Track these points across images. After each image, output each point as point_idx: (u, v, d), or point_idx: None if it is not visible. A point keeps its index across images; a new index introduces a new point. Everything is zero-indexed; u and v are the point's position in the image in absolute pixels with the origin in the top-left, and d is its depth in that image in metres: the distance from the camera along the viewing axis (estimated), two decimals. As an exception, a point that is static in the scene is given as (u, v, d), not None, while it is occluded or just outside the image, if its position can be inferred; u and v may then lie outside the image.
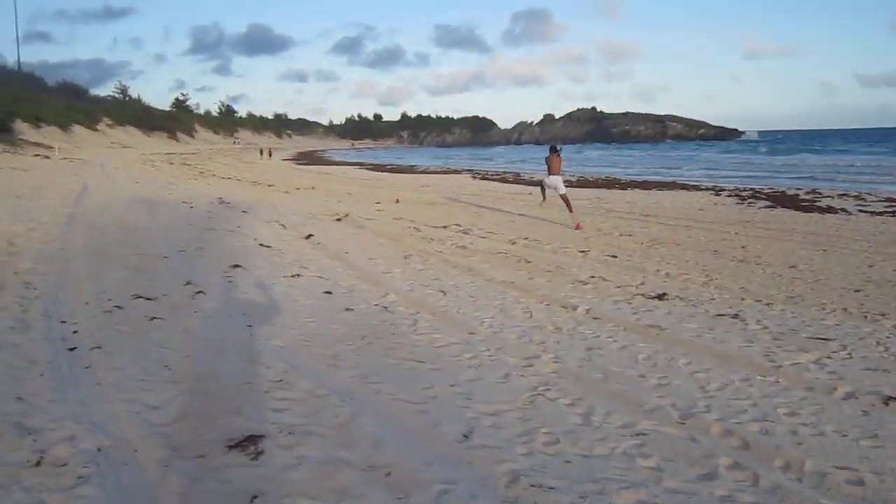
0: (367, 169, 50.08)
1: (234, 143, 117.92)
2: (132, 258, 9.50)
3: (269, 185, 28.14)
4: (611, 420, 4.65)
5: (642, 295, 8.53)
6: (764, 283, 9.44)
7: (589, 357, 5.99)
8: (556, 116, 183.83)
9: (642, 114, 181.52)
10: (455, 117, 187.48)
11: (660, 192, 29.27)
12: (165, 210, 16.02)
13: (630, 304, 8.11)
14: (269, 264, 9.69)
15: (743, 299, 8.46)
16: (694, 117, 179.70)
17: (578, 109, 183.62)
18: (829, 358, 6.09)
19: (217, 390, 4.83)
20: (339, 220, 15.92)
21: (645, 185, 33.04)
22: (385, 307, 7.55)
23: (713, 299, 8.41)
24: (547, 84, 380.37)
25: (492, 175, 43.01)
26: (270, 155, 70.26)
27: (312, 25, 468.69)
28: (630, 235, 14.37)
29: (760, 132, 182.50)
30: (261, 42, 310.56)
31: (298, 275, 9.05)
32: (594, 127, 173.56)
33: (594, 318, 7.37)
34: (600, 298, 8.34)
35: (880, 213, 19.89)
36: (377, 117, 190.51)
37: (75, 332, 6.11)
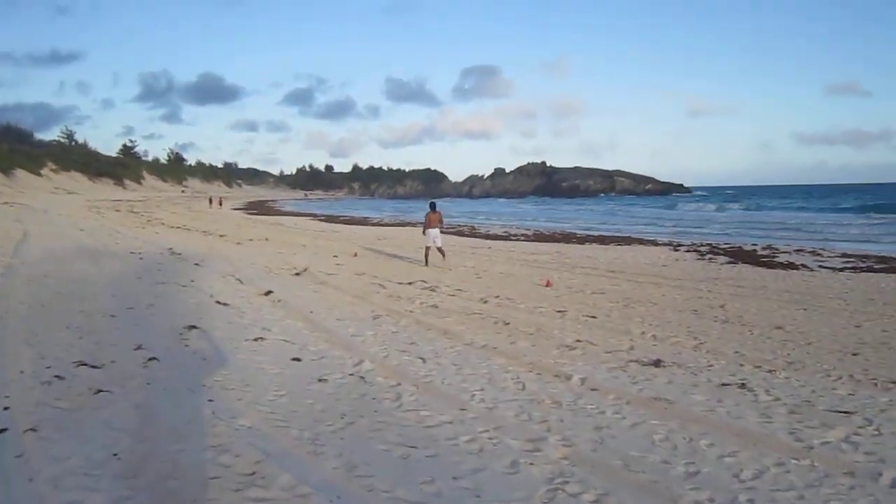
0: (320, 220, 49.27)
1: (182, 191, 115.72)
2: (76, 317, 8.58)
3: (221, 236, 27.14)
4: (646, 522, 3.98)
5: (636, 361, 7.93)
6: (756, 347, 8.96)
7: (600, 438, 5.32)
8: (507, 170, 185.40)
9: (591, 168, 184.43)
10: (407, 169, 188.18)
11: (618, 246, 29.11)
12: (113, 261, 15.03)
13: (625, 371, 7.51)
14: (228, 325, 8.87)
15: (742, 365, 7.93)
16: (641, 172, 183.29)
17: (529, 163, 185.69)
18: (857, 435, 5.54)
19: (178, 489, 4.02)
20: (297, 274, 15.12)
21: (602, 240, 32.90)
22: (362, 377, 6.80)
23: (711, 366, 7.86)
24: (497, 138, 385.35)
25: (446, 228, 42.48)
26: (220, 204, 68.93)
27: (264, 76, 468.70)
28: (603, 293, 13.87)
29: (705, 188, 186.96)
30: (211, 91, 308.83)
31: (262, 338, 8.25)
32: (544, 181, 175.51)
33: (592, 390, 6.73)
34: (592, 366, 7.72)
35: (841, 270, 19.87)
36: (328, 168, 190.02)
37: (6, 408, 5.22)
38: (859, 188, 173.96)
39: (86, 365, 6.31)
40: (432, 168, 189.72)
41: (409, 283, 14.39)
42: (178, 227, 30.94)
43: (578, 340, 8.98)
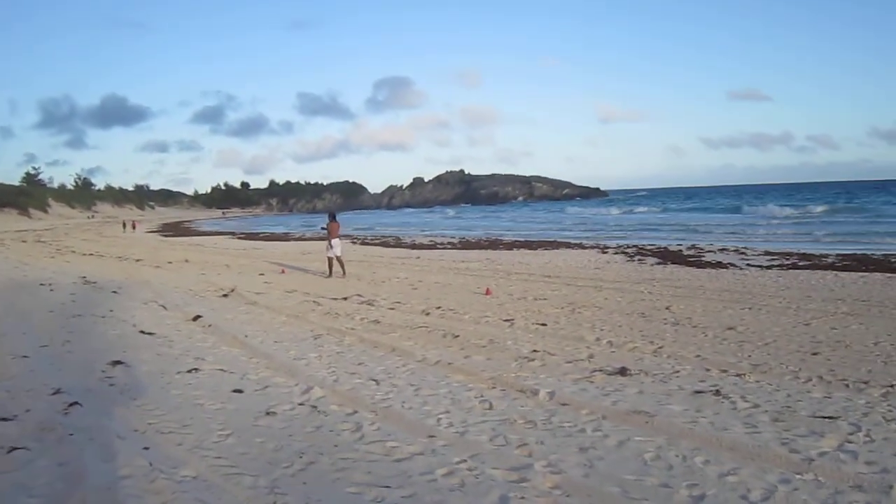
0: (239, 238, 47.76)
1: (90, 216, 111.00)
2: (-21, 359, 7.65)
3: (137, 260, 25.79)
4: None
5: (600, 371, 7.53)
6: (716, 350, 8.69)
7: (589, 461, 4.84)
8: (426, 179, 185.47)
9: (509, 175, 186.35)
10: (325, 183, 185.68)
11: (546, 251, 29.05)
12: (21, 295, 13.84)
13: (592, 382, 7.08)
14: (156, 357, 8.07)
15: (707, 370, 7.62)
16: (559, 177, 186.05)
17: (447, 172, 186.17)
18: (850, 443, 5.22)
19: (118, 566, 3.34)
20: (225, 295, 14.27)
21: (529, 245, 32.84)
22: (314, 406, 6.15)
23: (677, 372, 7.52)
24: (412, 149, 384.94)
25: (371, 240, 41.87)
26: (134, 227, 66.23)
27: (170, 95, 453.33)
28: (545, 299, 13.53)
29: (620, 191, 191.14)
30: (116, 113, 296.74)
31: (196, 369, 7.49)
32: (463, 189, 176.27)
33: (563, 405, 6.27)
34: (556, 378, 7.27)
35: (768, 268, 20.11)
36: (244, 185, 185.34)
37: None
38: (764, 188, 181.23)
39: (-4, 416, 5.48)
40: (350, 180, 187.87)
41: (345, 299, 13.74)
42: (90, 255, 29.28)
43: (535, 351, 8.53)
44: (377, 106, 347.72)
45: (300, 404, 6.22)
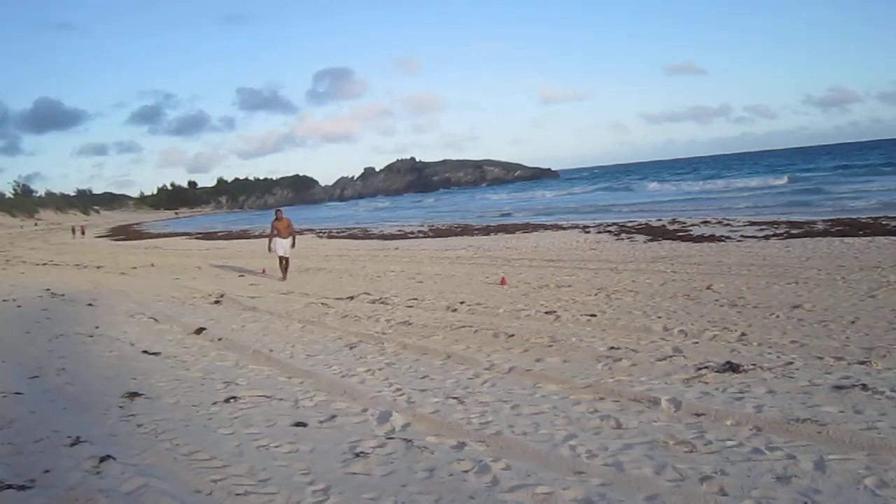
0: (197, 238, 45.80)
1: (35, 224, 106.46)
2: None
3: (99, 268, 24.05)
4: None
5: (704, 368, 6.49)
6: (807, 334, 7.75)
7: (806, 497, 3.78)
8: (377, 169, 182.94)
9: (460, 160, 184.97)
10: (274, 178, 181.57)
11: (526, 234, 28.19)
12: (-17, 314, 12.28)
13: (706, 383, 6.04)
14: (177, 384, 6.78)
15: (820, 358, 6.68)
16: (509, 160, 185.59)
17: (398, 160, 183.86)
18: None
19: None
20: (217, 302, 12.91)
21: (506, 229, 31.91)
22: (407, 440, 4.94)
23: (791, 364, 6.53)
24: (358, 139, 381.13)
25: (337, 233, 40.44)
26: (83, 233, 63.30)
27: (106, 97, 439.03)
28: (569, 286, 12.51)
29: (569, 170, 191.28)
30: (50, 117, 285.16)
31: (234, 397, 6.21)
32: (415, 177, 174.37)
33: (698, 415, 5.20)
34: (660, 381, 6.21)
35: (766, 238, 19.49)
36: (192, 185, 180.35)
37: None
38: (708, 160, 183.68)
39: (10, 487, 4.17)
40: (301, 174, 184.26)
41: (351, 299, 12.51)
42: (44, 264, 27.27)
43: (612, 348, 7.45)
44: (319, 98, 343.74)
45: (388, 437, 5.01)
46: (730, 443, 4.62)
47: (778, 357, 6.76)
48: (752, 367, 6.39)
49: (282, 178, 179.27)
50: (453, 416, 5.43)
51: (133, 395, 6.27)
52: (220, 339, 9.03)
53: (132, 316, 11.30)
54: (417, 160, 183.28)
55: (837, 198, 37.09)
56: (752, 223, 24.91)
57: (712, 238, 20.67)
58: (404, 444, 4.85)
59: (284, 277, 16.82)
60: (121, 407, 5.94)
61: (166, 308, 12.22)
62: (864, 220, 22.25)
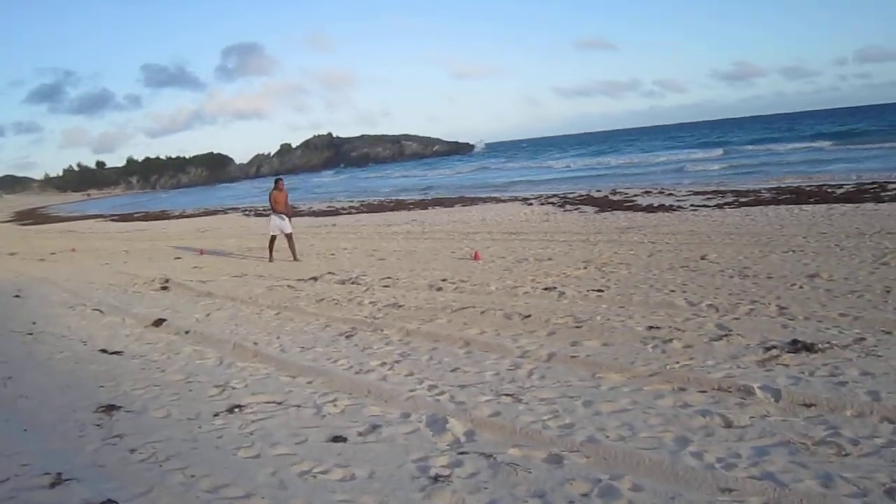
0: (113, 220, 43.19)
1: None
2: None
3: (11, 254, 22.00)
4: None
5: (775, 348, 5.74)
6: (850, 305, 7.13)
7: None
8: (294, 145, 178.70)
9: (378, 136, 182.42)
10: (187, 157, 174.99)
11: (465, 207, 27.45)
12: None
13: (787, 367, 5.30)
14: (160, 392, 5.62)
15: (889, 332, 6.02)
16: (426, 135, 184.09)
17: (315, 136, 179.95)
18: None
19: None
20: (164, 288, 11.58)
21: (444, 203, 31.07)
22: (487, 455, 3.96)
23: (862, 340, 5.84)
24: (272, 116, 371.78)
25: (264, 210, 38.70)
26: (-15, 217, 59.20)
27: (0, 74, 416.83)
28: (550, 260, 11.75)
29: (486, 144, 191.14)
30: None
31: (238, 406, 5.11)
32: (333, 153, 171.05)
33: (808, 405, 4.45)
34: (730, 363, 5.44)
35: (719, 206, 19.24)
36: (100, 165, 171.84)
37: None
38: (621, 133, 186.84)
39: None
40: (215, 152, 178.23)
41: (315, 279, 11.40)
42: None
43: (652, 327, 6.64)
44: (228, 74, 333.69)
45: (460, 452, 4.05)
46: (878, 440, 3.86)
47: (842, 333, 6.08)
48: (827, 345, 5.68)
49: (195, 157, 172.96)
50: (522, 420, 4.50)
51: (109, 407, 5.11)
52: (187, 333, 7.83)
53: (72, 308, 9.92)
54: (335, 136, 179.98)
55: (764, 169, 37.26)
56: (696, 192, 24.73)
57: (664, 208, 20.27)
58: (486, 460, 3.90)
59: (295, 258, 14.64)
60: (98, 425, 4.79)
61: (108, 297, 10.84)
62: (808, 188, 22.38)
